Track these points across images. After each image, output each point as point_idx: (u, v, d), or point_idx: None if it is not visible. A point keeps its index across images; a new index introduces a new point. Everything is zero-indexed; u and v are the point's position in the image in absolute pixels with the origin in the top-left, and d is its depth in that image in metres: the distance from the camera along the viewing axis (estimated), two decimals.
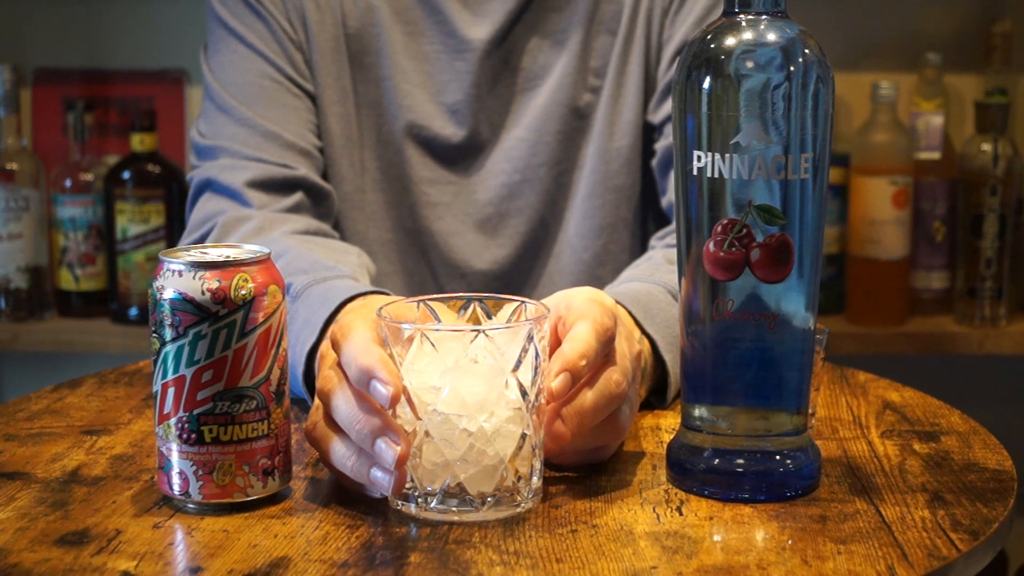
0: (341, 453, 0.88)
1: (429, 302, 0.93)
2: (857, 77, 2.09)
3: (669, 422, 1.06)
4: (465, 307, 0.93)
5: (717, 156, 0.87)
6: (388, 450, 0.85)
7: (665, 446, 0.95)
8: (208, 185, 1.30)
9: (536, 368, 0.87)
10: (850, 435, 1.03)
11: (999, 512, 0.88)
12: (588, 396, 0.90)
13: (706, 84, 0.87)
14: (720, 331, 0.89)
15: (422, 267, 1.40)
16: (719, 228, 0.87)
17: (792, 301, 0.89)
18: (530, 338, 0.87)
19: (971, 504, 0.89)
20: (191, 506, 0.89)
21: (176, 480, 0.88)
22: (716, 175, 0.87)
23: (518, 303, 0.92)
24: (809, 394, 0.93)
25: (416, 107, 1.37)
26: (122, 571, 0.80)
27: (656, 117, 1.36)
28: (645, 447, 1.00)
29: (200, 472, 0.87)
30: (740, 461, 0.90)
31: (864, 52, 2.13)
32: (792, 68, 0.87)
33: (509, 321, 0.91)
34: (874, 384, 1.16)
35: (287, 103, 1.33)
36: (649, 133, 1.38)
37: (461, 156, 1.39)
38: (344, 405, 0.87)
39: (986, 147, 1.99)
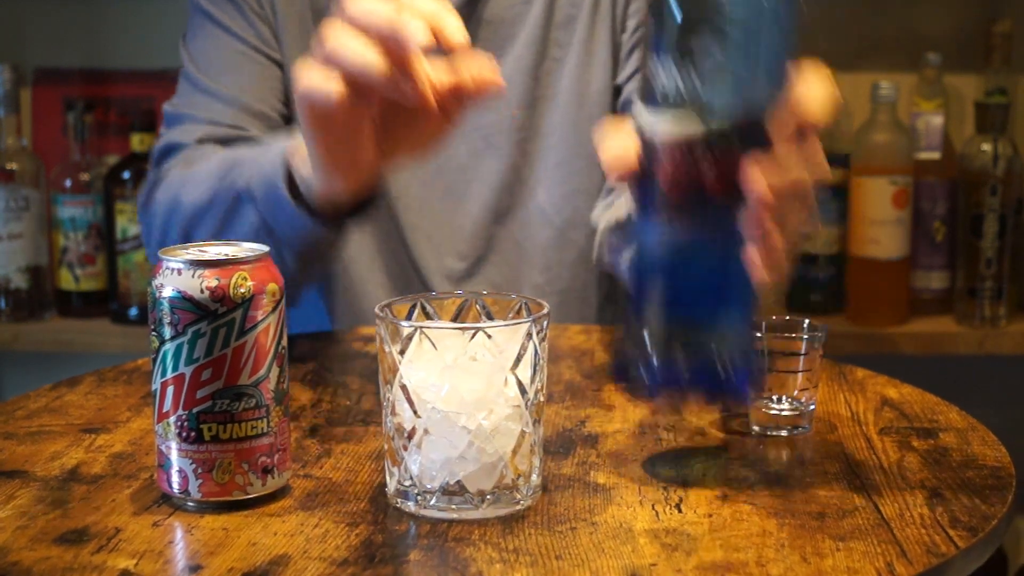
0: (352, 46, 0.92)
1: (427, 300, 0.93)
2: (857, 77, 2.09)
3: (667, 420, 1.06)
4: (464, 305, 0.93)
5: (674, 69, 0.85)
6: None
7: (663, 443, 0.95)
8: (168, 150, 1.35)
9: (535, 366, 0.87)
10: (848, 432, 1.03)
11: (998, 509, 0.88)
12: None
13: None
14: (670, 247, 0.87)
15: (391, 229, 1.43)
16: (672, 149, 0.85)
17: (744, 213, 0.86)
18: (529, 336, 0.87)
19: (969, 501, 0.89)
20: (190, 504, 0.89)
21: (175, 478, 0.88)
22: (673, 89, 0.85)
23: (518, 301, 0.92)
24: (756, 308, 0.91)
25: None
26: (122, 569, 0.80)
27: (620, 78, 1.41)
28: (643, 444, 1.00)
29: (199, 470, 0.87)
30: (682, 358, 0.87)
31: (864, 52, 2.13)
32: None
33: (508, 319, 0.92)
34: (872, 381, 1.16)
35: (250, 70, 1.38)
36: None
37: None
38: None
39: (986, 147, 1.99)
